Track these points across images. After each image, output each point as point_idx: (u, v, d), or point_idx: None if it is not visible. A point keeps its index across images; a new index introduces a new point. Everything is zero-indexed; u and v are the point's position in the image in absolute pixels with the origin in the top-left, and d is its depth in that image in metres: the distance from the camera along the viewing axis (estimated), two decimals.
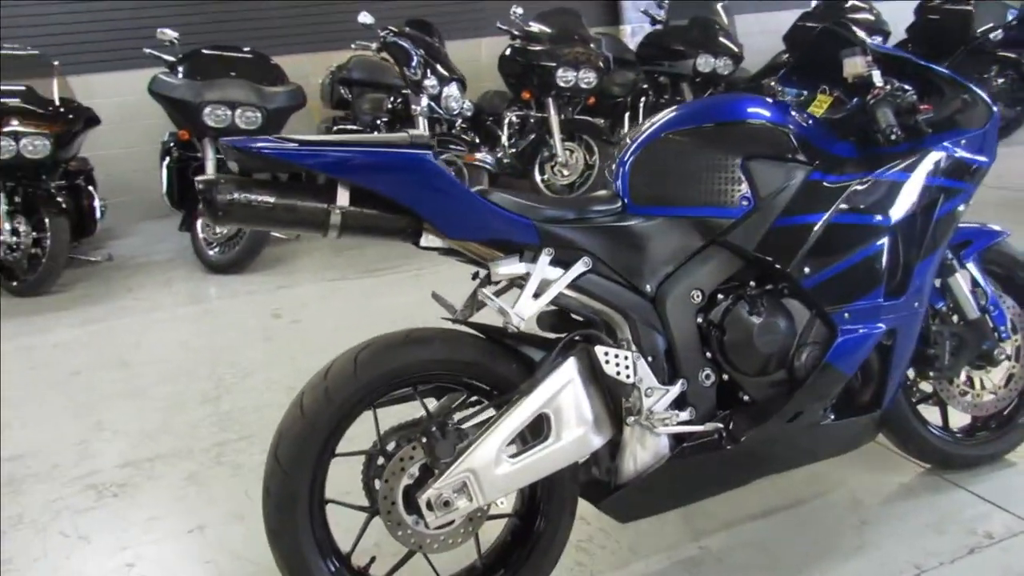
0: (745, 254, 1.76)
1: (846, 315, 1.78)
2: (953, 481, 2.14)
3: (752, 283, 1.79)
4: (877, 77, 1.90)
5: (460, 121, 5.48)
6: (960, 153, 1.89)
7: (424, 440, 1.59)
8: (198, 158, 4.88)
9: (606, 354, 1.65)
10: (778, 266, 1.74)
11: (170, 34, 4.90)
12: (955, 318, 2.06)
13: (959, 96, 1.95)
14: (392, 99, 5.70)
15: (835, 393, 1.82)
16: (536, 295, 1.62)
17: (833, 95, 2.00)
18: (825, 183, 1.78)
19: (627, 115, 6.59)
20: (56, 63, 5.12)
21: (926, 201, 1.85)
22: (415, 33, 5.33)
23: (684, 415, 1.72)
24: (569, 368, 1.65)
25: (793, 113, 1.84)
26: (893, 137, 1.76)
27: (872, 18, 6.26)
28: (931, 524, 1.98)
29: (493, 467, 1.59)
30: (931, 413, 2.17)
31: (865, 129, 1.86)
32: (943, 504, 2.06)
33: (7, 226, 4.65)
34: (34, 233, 4.69)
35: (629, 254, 1.71)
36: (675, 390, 1.71)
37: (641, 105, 6.34)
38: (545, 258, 1.63)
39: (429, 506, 1.57)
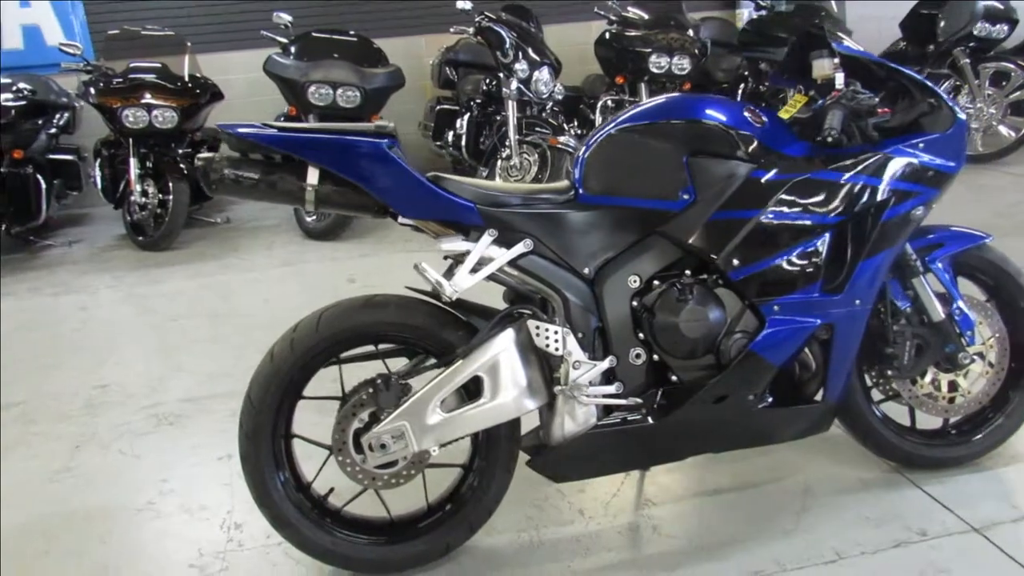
0: (682, 244, 1.88)
1: (776, 307, 1.88)
2: (912, 480, 2.17)
3: (688, 272, 1.91)
4: (839, 80, 1.96)
5: (551, 104, 5.66)
6: (917, 156, 1.92)
7: (371, 391, 1.84)
8: None
9: (537, 328, 1.84)
10: (710, 257, 1.86)
11: (285, 18, 5.36)
12: (920, 319, 2.08)
13: (925, 100, 1.97)
14: (487, 81, 5.94)
15: (764, 381, 1.91)
16: (476, 270, 1.83)
17: (809, 95, 2.07)
18: (763, 181, 1.86)
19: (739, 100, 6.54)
20: (188, 43, 5.70)
21: (872, 202, 1.89)
22: (510, 18, 5.53)
23: (611, 389, 1.88)
24: (504, 338, 1.84)
25: (747, 114, 1.93)
26: (830, 139, 1.82)
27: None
28: (871, 517, 2.04)
29: (427, 418, 1.82)
30: (901, 411, 2.21)
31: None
32: (891, 500, 2.10)
33: (138, 187, 5.28)
34: (160, 195, 5.30)
35: (571, 238, 1.88)
36: (602, 365, 1.87)
37: (739, 92, 6.27)
38: (488, 238, 1.83)
39: (369, 447, 1.82)
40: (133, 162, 5.27)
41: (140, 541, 2.18)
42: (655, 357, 1.91)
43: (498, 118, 5.50)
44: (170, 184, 5.25)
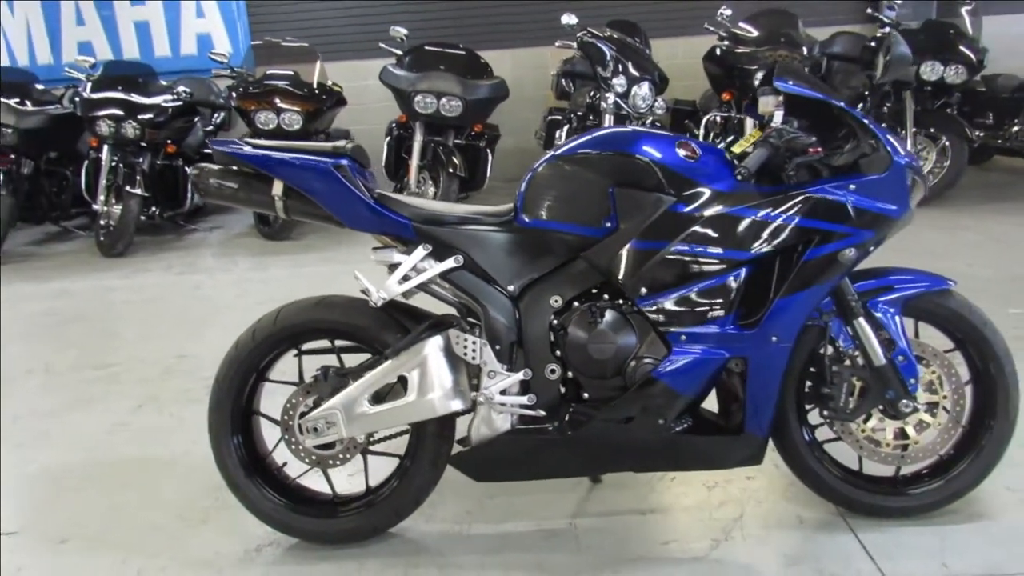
0: (600, 270, 1.98)
1: (682, 337, 1.93)
2: (851, 525, 2.13)
3: (607, 296, 2.01)
4: (777, 118, 1.99)
5: (651, 119, 5.70)
6: (847, 198, 1.90)
7: (313, 380, 2.09)
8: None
9: (457, 337, 2.01)
10: (619, 283, 1.95)
11: (401, 31, 5.77)
12: (863, 362, 2.04)
13: (866, 141, 1.94)
14: (591, 93, 6.06)
15: (672, 407, 1.96)
16: (406, 280, 2.03)
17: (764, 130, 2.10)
18: (680, 214, 1.92)
19: None
20: (319, 53, 6.25)
21: (792, 240, 1.90)
22: (612, 33, 5.63)
23: (523, 400, 2.01)
24: (430, 343, 2.03)
25: (680, 149, 1.99)
26: (739, 177, 1.85)
27: None
28: (788, 555, 2.03)
29: (356, 409, 2.04)
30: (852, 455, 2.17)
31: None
32: (818, 541, 2.08)
33: None
34: None
35: (500, 257, 2.03)
36: (516, 377, 2.01)
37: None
38: (421, 251, 2.03)
39: (303, 429, 2.07)
40: None
41: (155, 489, 2.55)
42: (569, 374, 2.02)
43: None
44: None
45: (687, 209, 1.93)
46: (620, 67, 5.47)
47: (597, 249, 1.98)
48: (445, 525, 2.26)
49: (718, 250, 1.91)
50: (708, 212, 1.92)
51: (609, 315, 1.97)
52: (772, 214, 1.91)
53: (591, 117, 5.97)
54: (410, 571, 2.07)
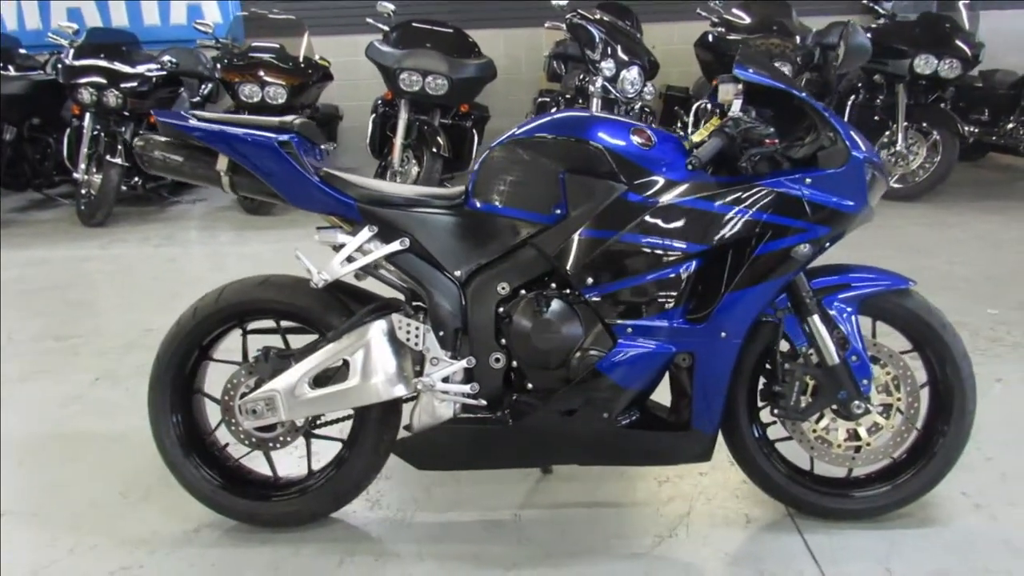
0: (548, 258, 1.92)
1: (628, 329, 1.88)
2: (799, 526, 2.09)
3: (554, 285, 1.95)
4: (734, 107, 1.92)
5: (640, 104, 5.62)
6: (801, 192, 1.84)
7: (254, 361, 2.04)
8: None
9: (399, 322, 1.96)
10: (566, 272, 1.89)
11: (388, 6, 5.67)
12: (816, 361, 1.99)
13: (824, 133, 1.88)
14: (580, 77, 5.97)
15: (617, 401, 1.91)
16: (350, 261, 1.97)
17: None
18: (630, 203, 1.86)
19: (845, 113, 6.19)
20: (306, 26, 6.14)
21: (744, 234, 1.84)
22: (603, 16, 5.54)
23: (465, 388, 1.96)
24: (372, 328, 1.97)
25: (635, 136, 1.93)
26: (689, 167, 1.79)
27: None
28: (729, 554, 1.99)
29: (294, 392, 1.99)
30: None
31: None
32: (763, 541, 2.04)
33: None
34: None
35: (448, 241, 1.98)
36: (459, 365, 1.95)
37: (848, 105, 5.91)
38: (367, 233, 1.97)
39: (242, 410, 2.02)
40: None
41: (100, 465, 2.51)
42: (514, 363, 1.97)
43: None
44: None
45: (637, 198, 1.87)
46: (609, 50, 5.38)
47: (546, 236, 1.92)
48: (389, 512, 2.22)
49: (667, 241, 1.85)
50: (659, 202, 1.86)
51: (555, 305, 1.92)
52: (724, 206, 1.85)
53: (580, 100, 5.89)
54: (346, 558, 2.03)
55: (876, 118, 5.69)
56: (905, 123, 5.50)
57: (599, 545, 2.05)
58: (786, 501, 2.11)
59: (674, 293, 1.87)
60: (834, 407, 2.01)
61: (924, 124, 5.51)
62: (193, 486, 2.12)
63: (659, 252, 1.86)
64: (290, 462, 2.35)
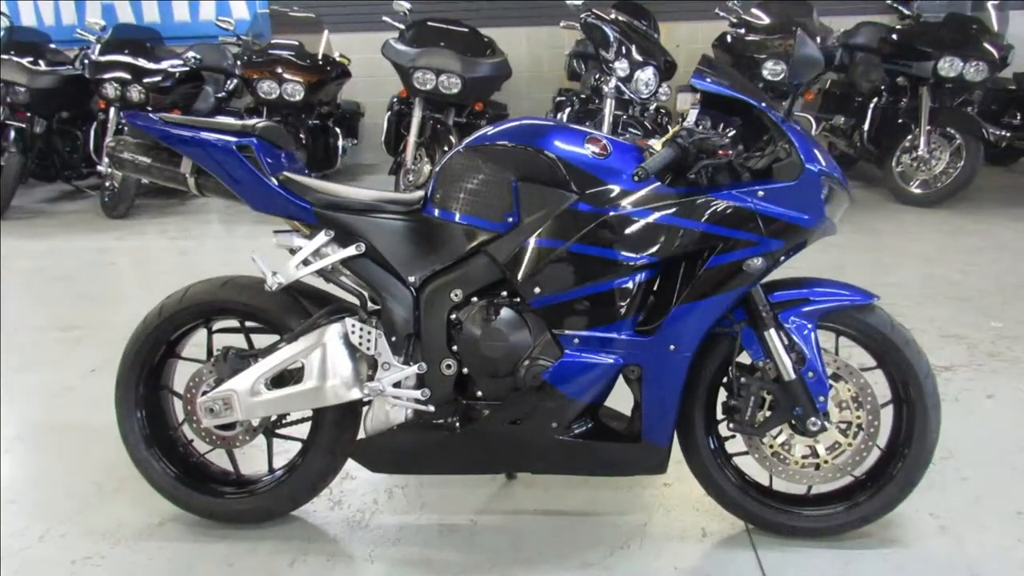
0: (499, 266, 1.92)
1: (575, 340, 1.87)
2: (755, 542, 2.06)
3: (505, 293, 1.95)
4: (691, 116, 1.90)
5: (656, 105, 5.56)
6: (754, 204, 1.81)
7: (215, 361, 2.07)
8: None
9: (353, 326, 1.98)
10: (516, 281, 1.88)
11: (404, 5, 5.70)
12: (773, 376, 1.96)
13: (781, 144, 1.84)
14: (596, 76, 5.93)
15: (564, 411, 1.90)
16: (305, 265, 2.00)
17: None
18: (580, 212, 1.85)
19: (867, 116, 6.06)
20: (324, 25, 6.20)
21: (694, 246, 1.82)
22: (618, 16, 5.49)
23: (416, 394, 1.97)
24: (327, 332, 1.99)
25: (590, 144, 1.91)
26: (636, 178, 1.77)
27: None
28: (681, 570, 1.97)
29: (250, 393, 2.02)
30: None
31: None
32: (715, 557, 2.01)
33: None
34: None
35: (404, 247, 1.98)
36: (410, 370, 1.96)
37: (871, 107, 5.78)
38: (323, 237, 1.99)
39: (201, 409, 2.05)
40: None
41: (82, 456, 2.57)
42: (465, 370, 1.97)
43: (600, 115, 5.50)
44: None
45: (588, 208, 1.86)
46: (623, 50, 5.33)
47: (498, 244, 1.92)
48: (349, 512, 2.24)
49: (615, 252, 1.83)
50: (609, 212, 1.84)
51: (505, 313, 1.91)
52: (674, 217, 1.82)
53: (596, 100, 5.86)
54: (299, 557, 2.05)
55: (899, 121, 5.56)
56: (928, 127, 5.36)
57: (551, 554, 2.04)
58: (741, 516, 2.08)
59: (623, 304, 1.85)
60: (791, 423, 1.97)
61: (948, 128, 5.36)
62: (156, 481, 2.16)
63: (607, 263, 1.84)
64: (263, 460, 2.37)
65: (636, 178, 1.76)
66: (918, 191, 5.46)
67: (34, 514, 2.27)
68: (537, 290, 1.87)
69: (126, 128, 2.09)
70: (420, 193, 2.04)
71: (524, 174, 1.90)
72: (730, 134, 1.92)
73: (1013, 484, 2.28)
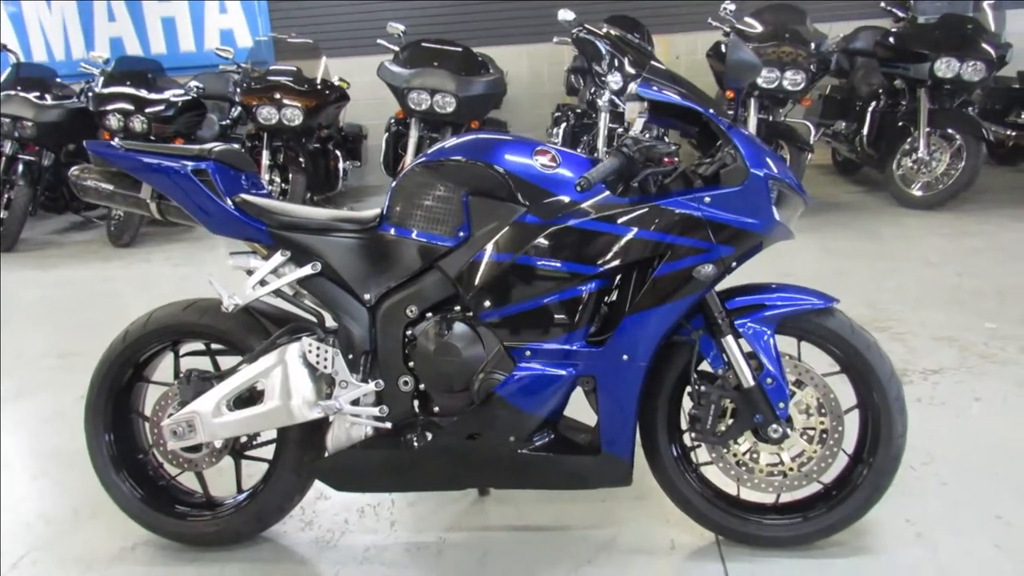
0: (450, 281, 1.92)
1: (527, 352, 1.86)
2: (724, 553, 2.02)
3: (458, 308, 1.94)
4: (636, 125, 1.89)
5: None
6: (701, 211, 1.79)
7: (179, 383, 2.09)
8: None
9: (310, 345, 1.98)
10: (466, 295, 1.88)
11: (398, 27, 5.76)
12: (733, 383, 1.93)
13: (727, 151, 1.83)
14: (591, 91, 5.95)
15: (520, 425, 1.89)
16: (262, 285, 2.01)
17: None
18: (528, 225, 1.84)
19: (867, 120, 6.00)
20: (322, 50, 6.28)
21: (642, 255, 1.81)
22: (610, 30, 5.48)
23: (374, 411, 1.97)
24: (286, 351, 2.00)
25: (538, 157, 1.91)
26: (578, 188, 1.76)
27: None
28: None
29: (212, 414, 2.03)
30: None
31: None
32: (682, 569, 1.98)
33: (266, 177, 5.95)
34: (282, 184, 5.94)
35: (358, 265, 1.99)
36: (367, 388, 1.96)
37: (870, 111, 5.73)
38: (279, 258, 2.01)
39: (165, 431, 2.07)
40: (265, 154, 5.96)
41: (61, 481, 2.60)
42: (422, 386, 1.97)
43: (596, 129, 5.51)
44: (290, 175, 5.86)
45: (535, 220, 1.85)
46: (616, 63, 5.33)
47: (449, 259, 1.92)
48: (319, 532, 2.24)
49: (563, 263, 1.83)
50: (556, 223, 1.84)
51: (458, 328, 1.91)
52: (622, 226, 1.81)
53: (592, 114, 5.87)
54: None
55: (899, 124, 5.50)
56: (927, 128, 5.30)
57: (516, 571, 2.02)
58: (708, 526, 2.05)
59: (573, 316, 1.84)
60: (753, 431, 1.95)
61: (948, 129, 5.30)
62: (124, 504, 2.18)
63: (555, 274, 1.83)
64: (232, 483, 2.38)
65: (579, 188, 1.76)
66: (919, 194, 5.39)
67: (10, 540, 2.29)
68: (487, 304, 1.87)
69: (90, 156, 2.12)
70: (375, 211, 2.05)
71: (475, 188, 1.90)
72: (672, 146, 1.91)
73: (993, 488, 2.23)
